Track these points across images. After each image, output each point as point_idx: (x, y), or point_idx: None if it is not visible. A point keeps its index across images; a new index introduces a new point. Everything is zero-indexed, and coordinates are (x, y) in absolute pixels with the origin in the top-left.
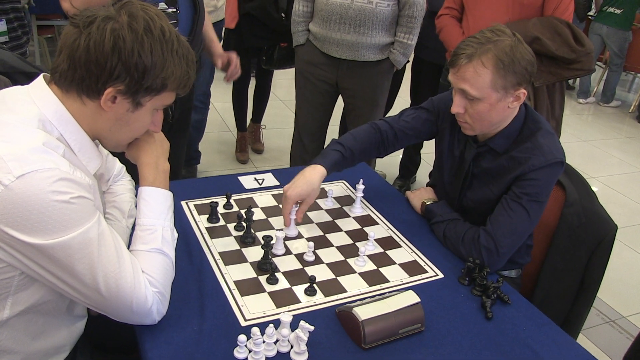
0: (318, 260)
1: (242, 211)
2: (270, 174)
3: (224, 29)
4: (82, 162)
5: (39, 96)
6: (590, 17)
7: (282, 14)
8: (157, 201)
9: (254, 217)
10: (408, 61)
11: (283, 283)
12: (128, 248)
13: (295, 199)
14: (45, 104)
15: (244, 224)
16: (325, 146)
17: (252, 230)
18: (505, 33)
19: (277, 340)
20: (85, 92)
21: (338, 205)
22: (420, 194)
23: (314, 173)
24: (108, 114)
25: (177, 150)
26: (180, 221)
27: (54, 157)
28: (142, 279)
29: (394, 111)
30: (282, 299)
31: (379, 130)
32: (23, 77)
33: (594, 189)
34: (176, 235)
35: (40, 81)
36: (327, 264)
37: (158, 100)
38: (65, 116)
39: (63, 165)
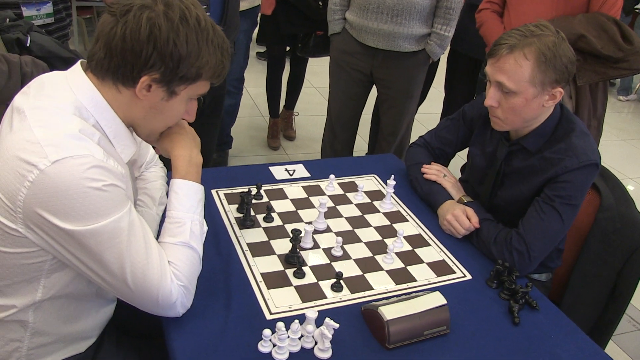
0: (346, 256)
1: (271, 202)
2: (301, 165)
3: (259, 15)
4: (116, 150)
5: (75, 83)
6: (637, 11)
7: (320, 2)
8: (187, 194)
9: (283, 209)
10: (443, 53)
11: (310, 277)
12: (157, 236)
13: (464, 214)
14: (81, 91)
15: (272, 215)
16: (356, 136)
17: (253, 213)
18: (550, 29)
19: (301, 336)
20: (121, 80)
21: (368, 200)
22: (454, 192)
23: (452, 203)
24: (143, 102)
25: (209, 136)
26: (210, 210)
27: (89, 144)
28: (168, 272)
29: (428, 102)
30: (308, 293)
31: (431, 148)
32: (60, 62)
33: (630, 188)
34: (206, 228)
35: (77, 68)
36: (355, 260)
37: (192, 90)
38: (101, 103)
39: (97, 153)
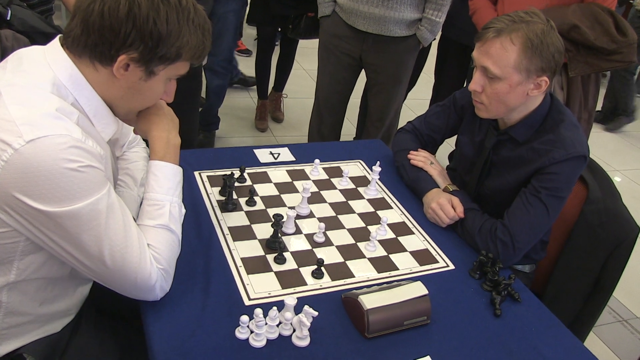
0: (328, 242)
1: (255, 186)
2: (286, 148)
3: None
4: (96, 129)
5: (54, 59)
6: (631, 1)
7: None
8: (166, 176)
9: (266, 193)
10: (434, 39)
11: (290, 263)
12: (136, 218)
13: (449, 203)
14: (60, 68)
15: (255, 199)
16: (343, 120)
17: (235, 196)
18: (540, 17)
19: (279, 323)
20: (98, 58)
21: (353, 186)
22: (440, 181)
23: (437, 191)
24: (120, 81)
25: (190, 117)
26: (192, 192)
27: (66, 123)
28: (147, 255)
29: (417, 88)
30: (289, 279)
31: (419, 133)
32: (42, 38)
33: (617, 179)
34: (184, 211)
35: (56, 44)
36: (337, 247)
37: (172, 70)
38: (80, 81)
39: (75, 132)
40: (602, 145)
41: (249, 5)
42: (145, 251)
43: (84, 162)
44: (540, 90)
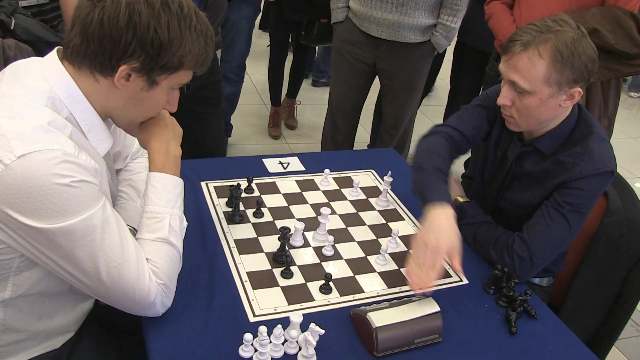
0: (337, 256)
1: (263, 197)
2: (296, 158)
3: (263, 0)
4: (91, 144)
5: (51, 72)
6: None
7: None
8: (165, 188)
9: (274, 204)
10: (449, 44)
11: (298, 278)
12: None
13: (448, 253)
14: (56, 81)
15: (262, 211)
16: (357, 127)
17: (242, 207)
18: (569, 24)
19: (285, 341)
20: (98, 69)
21: (364, 197)
22: (453, 189)
23: (450, 216)
24: (121, 92)
25: (214, 126)
26: (198, 203)
27: (58, 137)
28: (146, 270)
29: (433, 94)
30: (295, 295)
31: (452, 139)
32: (46, 47)
33: (637, 186)
34: (186, 224)
35: (53, 56)
36: (346, 260)
37: (174, 79)
38: (76, 95)
39: (67, 147)
40: (622, 151)
41: (261, 12)
42: (144, 266)
43: (76, 177)
44: (573, 101)
